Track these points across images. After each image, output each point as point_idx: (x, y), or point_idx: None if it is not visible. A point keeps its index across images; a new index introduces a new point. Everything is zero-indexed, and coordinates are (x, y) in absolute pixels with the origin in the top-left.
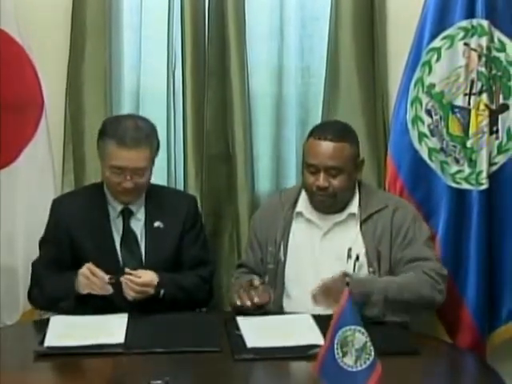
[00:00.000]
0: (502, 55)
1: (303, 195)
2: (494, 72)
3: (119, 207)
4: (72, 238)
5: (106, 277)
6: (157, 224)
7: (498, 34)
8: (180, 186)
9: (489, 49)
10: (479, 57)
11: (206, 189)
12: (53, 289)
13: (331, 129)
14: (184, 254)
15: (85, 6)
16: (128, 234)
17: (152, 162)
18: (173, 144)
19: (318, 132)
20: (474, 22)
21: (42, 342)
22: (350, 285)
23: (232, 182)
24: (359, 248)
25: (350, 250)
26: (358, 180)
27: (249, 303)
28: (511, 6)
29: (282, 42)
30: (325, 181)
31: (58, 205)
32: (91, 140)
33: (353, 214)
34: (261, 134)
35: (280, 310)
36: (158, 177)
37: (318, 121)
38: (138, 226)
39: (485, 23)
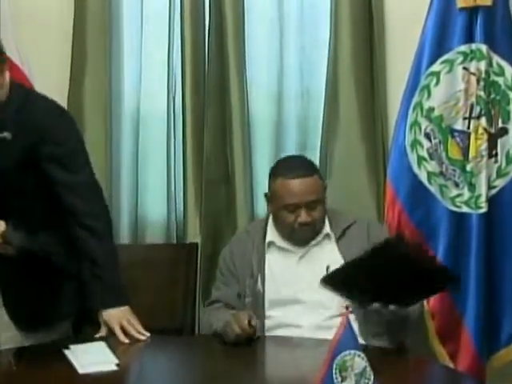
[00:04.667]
0: (500, 79)
1: (270, 225)
2: (492, 96)
3: None
4: None
5: None
6: (4, 134)
7: (496, 59)
8: (180, 209)
9: (487, 73)
10: (478, 81)
11: (206, 211)
12: None
13: (298, 165)
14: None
15: (85, 29)
16: None
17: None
18: (173, 167)
19: (287, 171)
20: (473, 46)
21: None
22: None
23: (231, 205)
24: (337, 265)
25: (328, 267)
26: None
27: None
28: (509, 31)
29: (281, 66)
30: (308, 216)
31: None
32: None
33: (327, 235)
34: (260, 157)
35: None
36: (158, 199)
37: (317, 144)
38: None
39: (483, 48)
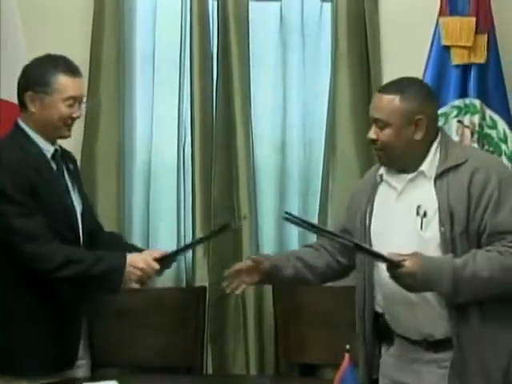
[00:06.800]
0: (493, 132)
1: None
2: (486, 148)
3: (52, 148)
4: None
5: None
6: (70, 166)
7: (489, 113)
8: (189, 255)
9: (481, 126)
10: (472, 133)
11: (214, 258)
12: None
13: (393, 82)
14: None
15: (99, 84)
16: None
17: None
18: (182, 215)
19: (383, 86)
20: (467, 100)
21: None
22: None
23: (237, 251)
24: (430, 205)
25: (419, 206)
26: (436, 136)
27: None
28: (501, 87)
29: (284, 119)
30: (372, 133)
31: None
32: (104, 213)
33: (422, 172)
34: (265, 204)
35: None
36: (168, 246)
37: (318, 192)
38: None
39: (477, 102)
